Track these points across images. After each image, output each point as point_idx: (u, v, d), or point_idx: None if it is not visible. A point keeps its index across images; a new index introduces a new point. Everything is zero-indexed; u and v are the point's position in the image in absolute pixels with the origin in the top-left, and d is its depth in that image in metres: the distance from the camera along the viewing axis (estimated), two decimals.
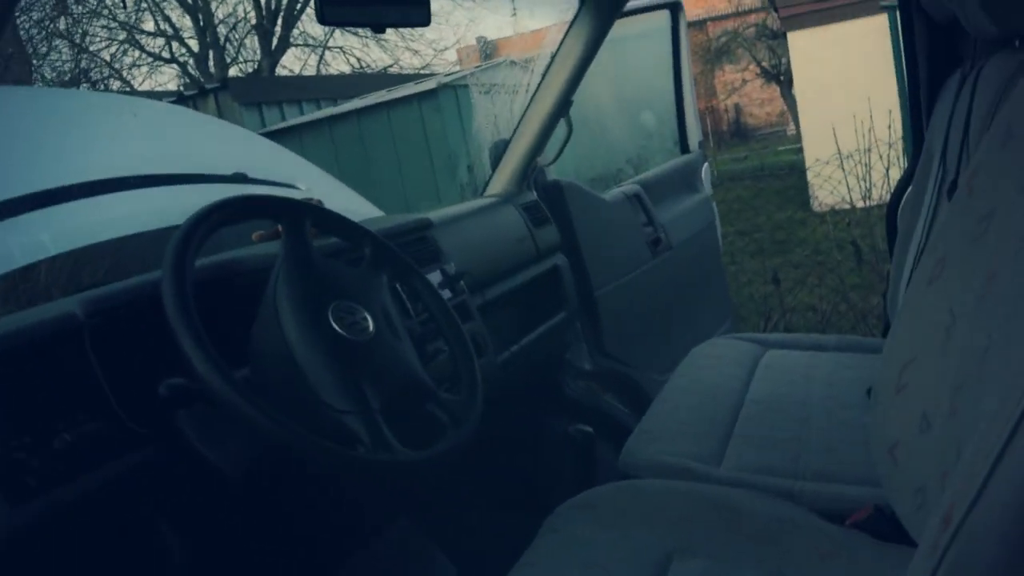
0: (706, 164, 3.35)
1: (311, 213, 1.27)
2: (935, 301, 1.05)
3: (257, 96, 7.92)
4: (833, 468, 1.45)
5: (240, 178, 2.23)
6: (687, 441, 1.61)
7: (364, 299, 1.21)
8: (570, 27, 2.21)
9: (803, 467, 1.47)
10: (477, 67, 7.51)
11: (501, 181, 2.41)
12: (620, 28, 2.85)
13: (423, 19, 1.55)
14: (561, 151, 2.41)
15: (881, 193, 5.27)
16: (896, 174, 5.46)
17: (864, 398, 1.72)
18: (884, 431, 1.11)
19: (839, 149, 5.09)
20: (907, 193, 2.09)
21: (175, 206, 1.98)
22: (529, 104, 2.34)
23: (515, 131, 2.37)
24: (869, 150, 5.44)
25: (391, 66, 15.23)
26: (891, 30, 7.11)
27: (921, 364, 1.05)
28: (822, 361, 2.00)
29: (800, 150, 9.58)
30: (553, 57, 2.27)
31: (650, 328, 2.79)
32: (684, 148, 3.33)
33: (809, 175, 7.66)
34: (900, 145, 5.57)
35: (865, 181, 5.43)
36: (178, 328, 1.00)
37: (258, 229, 1.52)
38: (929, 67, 1.99)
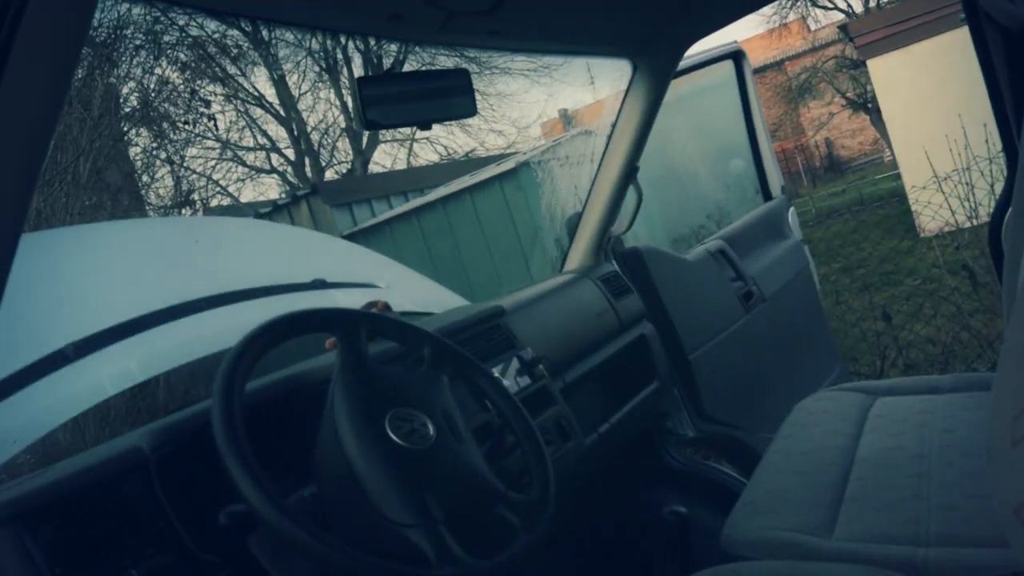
0: (792, 208, 3.25)
1: (364, 322, 1.26)
2: None
3: (347, 196, 8.19)
4: (958, 530, 1.33)
5: (320, 284, 2.28)
6: (794, 511, 1.50)
7: (423, 404, 1.19)
8: (626, 93, 2.19)
9: (924, 531, 1.35)
10: (554, 141, 7.57)
11: (577, 255, 2.38)
12: (685, 83, 2.83)
13: (469, 110, 1.56)
14: (634, 218, 2.37)
15: (988, 210, 5.00)
16: (1000, 189, 5.18)
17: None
18: (1007, 490, 1.00)
19: (935, 171, 4.87)
20: (1008, 213, 1.96)
21: (256, 319, 2.03)
22: (596, 175, 2.32)
23: (585, 204, 2.35)
24: (968, 168, 5.20)
25: (474, 150, 15.61)
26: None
27: None
28: (937, 405, 1.86)
29: (898, 176, 9.24)
30: (614, 125, 2.25)
31: (752, 386, 2.68)
32: (766, 195, 3.24)
33: (911, 203, 7.36)
34: (1003, 158, 5.30)
35: (969, 201, 5.17)
36: (227, 456, 1.00)
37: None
38: (1011, 77, 1.88)
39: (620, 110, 2.21)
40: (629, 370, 2.21)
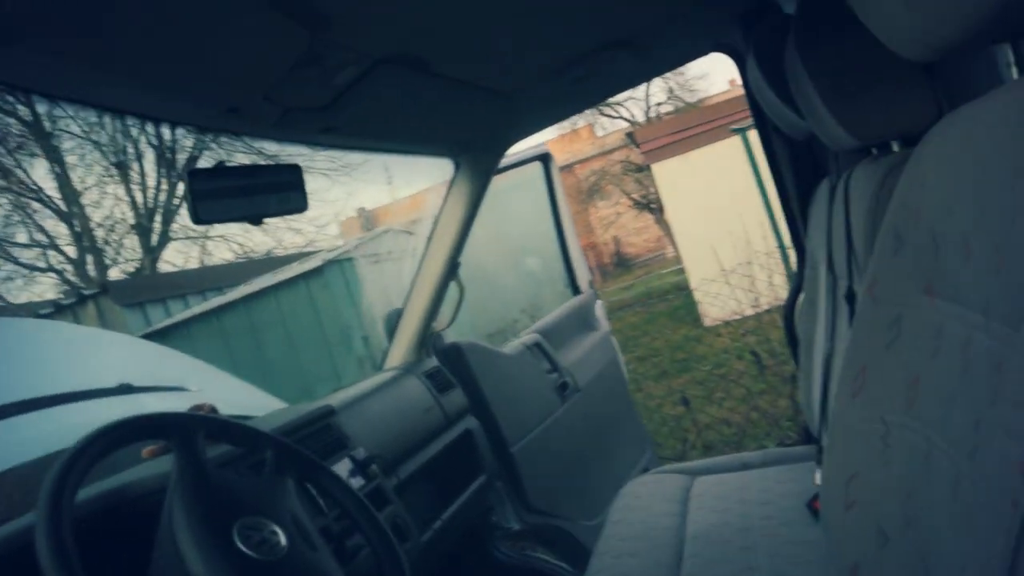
0: (599, 301, 3.40)
1: (202, 425, 1.17)
2: (864, 412, 1.04)
3: (139, 296, 7.73)
4: None
5: (125, 389, 2.11)
6: None
7: (272, 511, 1.12)
8: (448, 191, 2.24)
9: None
10: (360, 239, 7.55)
11: (399, 352, 2.36)
12: (495, 182, 2.92)
13: (300, 204, 1.53)
14: (456, 313, 2.40)
15: (769, 300, 5.49)
16: (778, 280, 5.71)
17: (803, 512, 1.69)
18: (842, 552, 1.07)
19: (722, 265, 5.29)
20: (800, 300, 2.15)
21: (57, 429, 1.84)
22: (417, 271, 2.33)
23: (406, 300, 2.35)
24: (750, 262, 5.68)
25: (272, 249, 15.24)
26: (746, 149, 7.59)
27: (865, 478, 1.03)
28: (752, 480, 1.98)
29: (682, 271, 9.94)
30: (435, 223, 2.28)
31: (572, 474, 2.73)
32: (575, 289, 3.38)
33: (697, 294, 7.92)
34: (777, 254, 5.85)
35: (751, 293, 5.63)
36: None
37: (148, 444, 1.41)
38: (796, 180, 2.09)
39: (442, 206, 2.25)
40: (457, 465, 2.19)
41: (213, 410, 1.47)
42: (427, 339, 2.39)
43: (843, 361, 1.09)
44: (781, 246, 6.22)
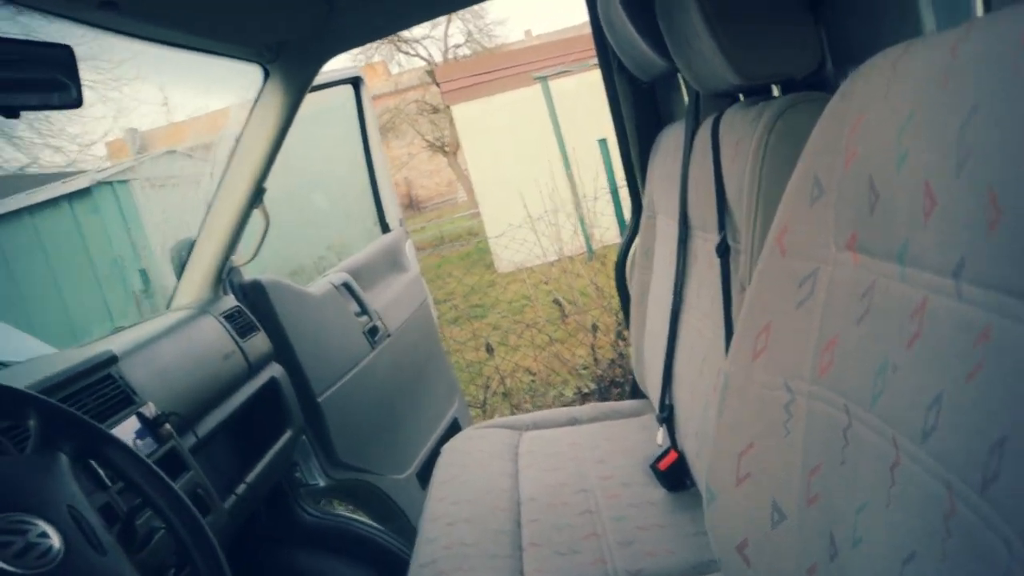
0: (409, 241, 3.19)
1: None
2: (765, 378, 0.92)
3: None
4: (643, 563, 1.30)
5: None
6: (480, 565, 1.38)
7: (38, 504, 0.82)
8: (255, 104, 1.93)
9: (612, 571, 1.31)
10: (138, 159, 6.78)
11: (191, 288, 2.04)
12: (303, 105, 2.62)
13: (70, 98, 1.21)
14: (260, 246, 2.10)
15: (569, 249, 5.51)
16: (568, 233, 5.75)
17: (645, 472, 1.61)
18: (728, 528, 0.96)
19: (528, 213, 5.24)
20: (632, 251, 2.07)
21: None
22: (215, 195, 2.01)
23: (200, 229, 2.02)
24: (547, 211, 5.67)
25: (28, 165, 13.59)
26: (547, 98, 7.58)
27: (762, 449, 0.92)
28: (582, 436, 1.88)
29: (475, 215, 9.90)
30: (238, 140, 1.97)
31: (382, 426, 2.54)
32: (384, 227, 3.15)
33: (491, 242, 7.89)
34: (570, 206, 5.90)
35: (549, 240, 5.63)
36: None
37: None
38: (638, 126, 1.99)
39: (247, 121, 1.94)
40: (262, 419, 1.93)
41: None
42: (224, 275, 2.09)
43: (743, 318, 0.97)
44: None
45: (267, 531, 2.09)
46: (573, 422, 2.00)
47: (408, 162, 17.65)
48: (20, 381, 1.26)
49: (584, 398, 4.34)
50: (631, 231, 2.12)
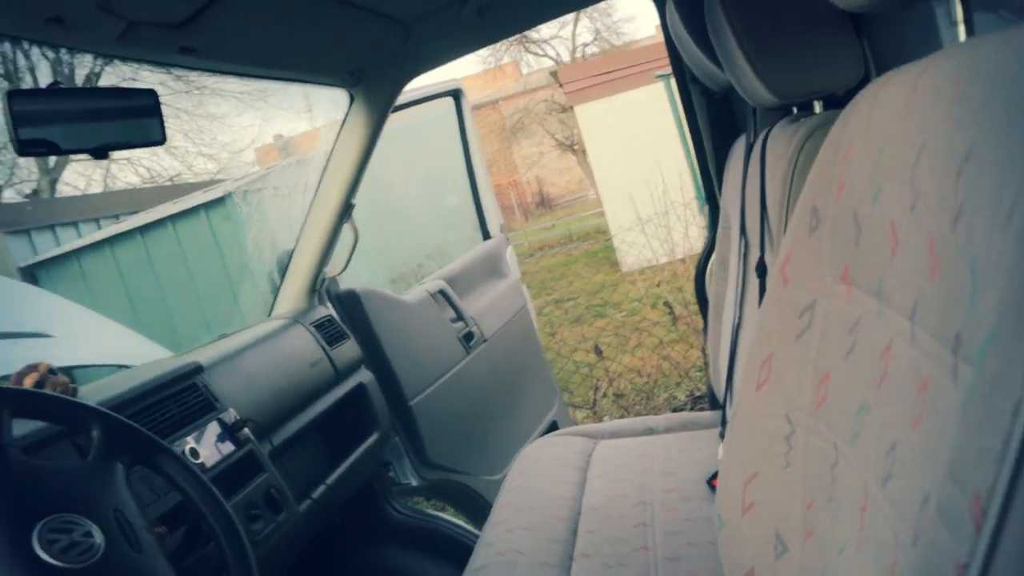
0: (510, 248, 3.26)
1: (8, 401, 0.98)
2: (768, 408, 0.92)
3: (25, 221, 7.19)
4: None
5: None
6: (527, 573, 1.42)
7: (88, 506, 0.94)
8: (342, 126, 2.04)
9: None
10: (267, 169, 7.17)
11: (288, 298, 2.18)
12: (404, 118, 2.72)
13: (155, 136, 1.34)
14: (349, 259, 2.22)
15: (684, 250, 5.44)
16: (694, 232, 5.67)
17: (703, 488, 1.61)
18: (737, 554, 0.97)
19: (638, 215, 5.21)
20: (711, 261, 2.05)
21: None
22: (308, 212, 2.14)
23: (296, 242, 2.16)
24: (667, 212, 5.62)
25: (180, 174, 14.57)
26: (669, 96, 7.49)
27: (765, 479, 0.92)
28: (655, 447, 1.89)
29: (602, 214, 9.89)
30: (328, 160, 2.09)
31: (475, 428, 2.62)
32: (485, 234, 3.22)
33: (615, 241, 7.87)
34: (695, 204, 5.79)
35: (667, 243, 5.58)
36: None
37: None
38: (713, 135, 1.98)
39: (335, 143, 2.05)
40: (347, 423, 2.05)
41: (51, 371, 1.28)
42: (319, 285, 2.22)
43: (749, 347, 0.98)
44: (700, 198, 6.18)
45: (357, 528, 2.20)
46: (649, 432, 2.00)
47: (538, 161, 17.79)
48: (116, 388, 1.41)
49: (695, 401, 4.30)
50: (710, 240, 2.10)
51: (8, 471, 0.90)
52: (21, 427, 1.11)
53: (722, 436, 1.62)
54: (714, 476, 1.55)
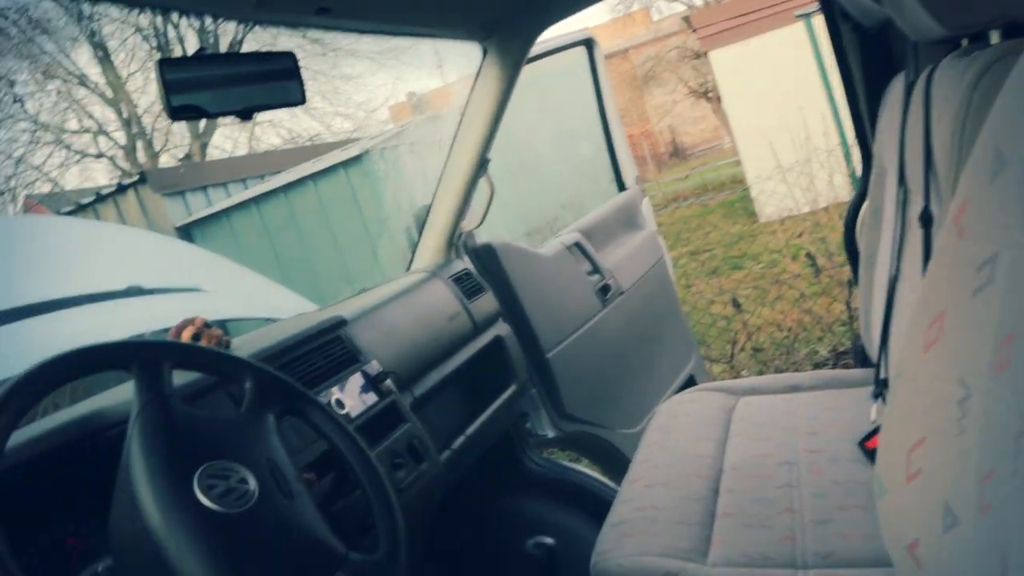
0: (646, 199, 3.19)
1: (168, 353, 1.03)
2: (939, 370, 0.86)
3: (180, 184, 7.63)
4: (834, 547, 1.26)
5: (135, 291, 2.01)
6: (666, 531, 1.40)
7: (243, 454, 0.99)
8: (476, 79, 2.03)
9: (801, 550, 1.28)
10: (401, 126, 7.30)
11: (426, 253, 2.21)
12: (537, 68, 2.68)
13: (295, 97, 1.37)
14: (486, 213, 2.22)
15: (828, 199, 5.19)
16: (839, 180, 5.39)
17: (854, 449, 1.54)
18: (899, 524, 0.91)
19: (778, 162, 4.99)
20: (863, 210, 1.94)
21: (64, 333, 1.75)
22: (444, 167, 2.15)
23: (433, 198, 2.18)
24: (809, 160, 5.37)
25: (319, 134, 15.08)
26: (810, 37, 7.10)
27: (933, 446, 0.86)
28: (799, 405, 1.82)
29: (738, 163, 9.56)
30: (462, 115, 2.09)
31: (612, 381, 2.60)
32: (621, 186, 3.17)
33: (753, 191, 7.60)
34: (839, 151, 5.50)
35: (810, 191, 5.34)
36: None
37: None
38: (865, 76, 1.85)
39: (469, 97, 2.05)
40: (485, 375, 2.07)
41: (205, 325, 1.35)
42: (456, 239, 2.24)
43: (913, 304, 0.91)
44: (844, 144, 5.85)
45: (494, 477, 2.23)
46: (793, 389, 1.93)
47: (671, 110, 17.36)
48: (265, 341, 1.47)
49: (839, 357, 4.13)
50: (861, 188, 1.98)
51: (171, 419, 0.96)
52: (180, 378, 1.17)
53: (875, 396, 1.54)
54: (866, 438, 1.48)
